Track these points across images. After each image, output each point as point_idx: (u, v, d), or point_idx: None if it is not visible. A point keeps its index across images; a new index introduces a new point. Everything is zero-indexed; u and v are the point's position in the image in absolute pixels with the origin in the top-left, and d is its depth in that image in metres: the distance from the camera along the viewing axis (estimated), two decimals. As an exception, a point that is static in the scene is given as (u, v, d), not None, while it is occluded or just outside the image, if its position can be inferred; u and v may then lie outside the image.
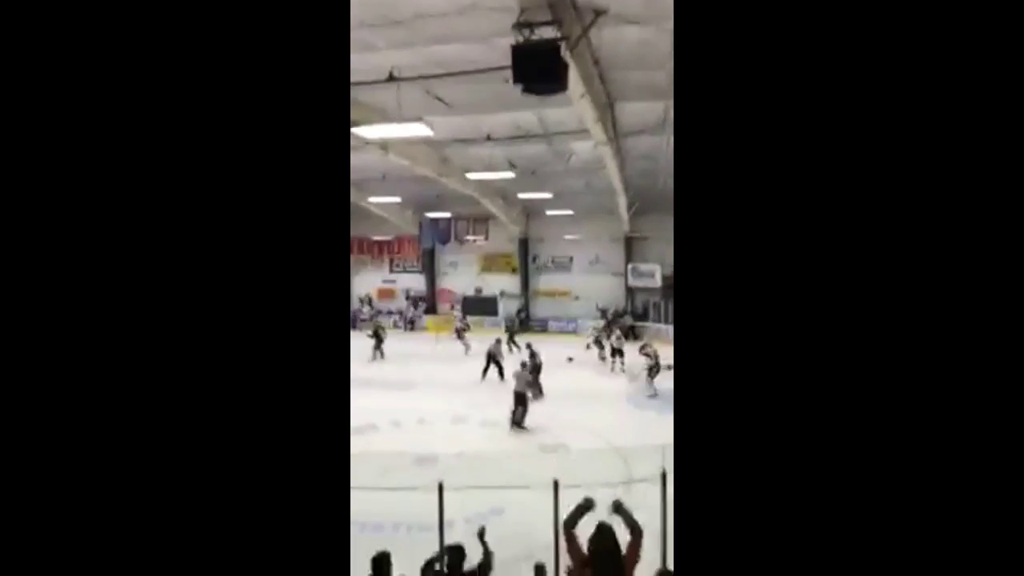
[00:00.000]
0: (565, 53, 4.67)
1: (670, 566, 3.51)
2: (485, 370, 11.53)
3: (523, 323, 19.34)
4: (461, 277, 21.44)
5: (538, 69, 4.58)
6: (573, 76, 5.59)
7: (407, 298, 21.63)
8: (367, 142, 8.46)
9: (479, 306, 20.55)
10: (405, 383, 11.38)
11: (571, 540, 2.55)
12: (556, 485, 3.85)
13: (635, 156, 12.04)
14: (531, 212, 19.56)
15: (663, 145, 10.41)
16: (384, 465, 5.97)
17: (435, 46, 6.47)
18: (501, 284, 20.85)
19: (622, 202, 15.43)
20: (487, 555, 3.03)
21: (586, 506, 2.66)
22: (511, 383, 9.18)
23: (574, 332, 18.89)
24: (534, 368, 10.26)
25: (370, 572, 2.93)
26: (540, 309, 20.41)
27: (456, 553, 3.00)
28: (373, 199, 15.92)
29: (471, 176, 12.53)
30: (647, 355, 10.65)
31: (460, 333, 15.52)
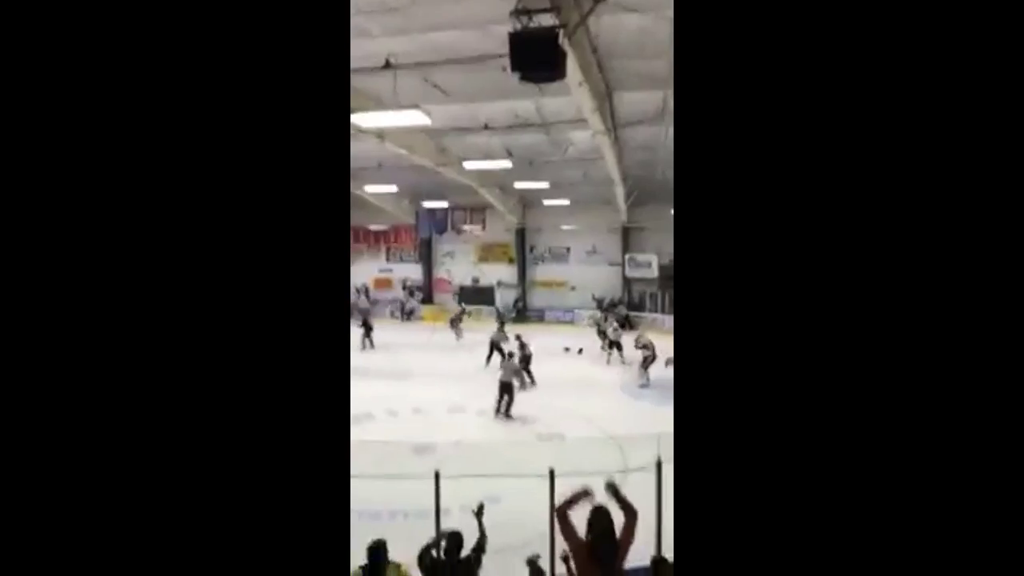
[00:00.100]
0: (563, 41, 4.63)
1: (664, 553, 3.55)
2: (488, 357, 11.60)
3: (520, 313, 19.37)
4: (458, 267, 21.42)
5: (536, 57, 4.54)
6: (571, 64, 5.55)
7: (404, 288, 21.60)
8: (363, 130, 8.39)
9: (476, 296, 20.55)
10: (402, 372, 11.40)
11: (565, 523, 2.56)
12: (552, 474, 3.88)
13: (633, 146, 12.00)
14: (528, 202, 19.50)
15: (662, 135, 10.37)
16: (381, 454, 5.99)
17: (432, 33, 6.40)
18: (498, 274, 20.84)
19: (620, 192, 15.40)
20: (482, 536, 3.05)
21: (583, 494, 2.68)
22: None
23: (571, 322, 18.93)
24: (523, 359, 10.32)
25: (366, 560, 2.95)
26: (537, 299, 20.43)
27: (453, 539, 3.02)
28: (369, 188, 15.84)
29: (468, 165, 12.47)
30: (644, 347, 10.70)
31: (454, 322, 15.48)
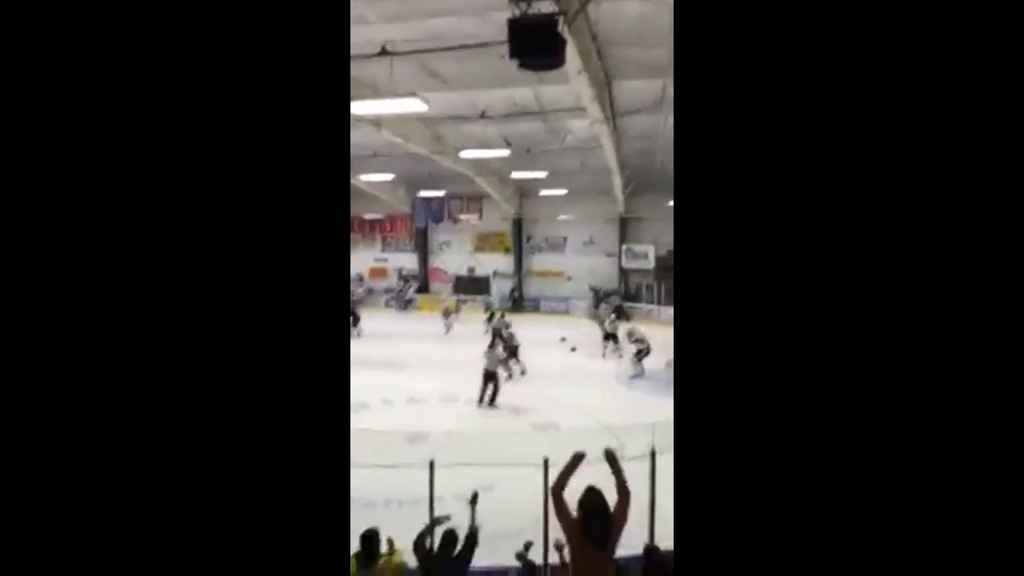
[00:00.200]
0: (563, 28, 4.58)
1: (657, 542, 3.57)
2: (491, 345, 11.67)
3: (516, 303, 19.38)
4: (454, 256, 21.39)
5: (535, 44, 4.49)
6: (570, 52, 5.49)
7: (399, 277, 21.56)
8: (359, 118, 8.32)
9: (472, 286, 20.55)
10: (396, 362, 11.41)
11: (559, 502, 2.55)
12: (546, 463, 3.89)
13: (632, 135, 11.95)
14: (525, 191, 19.45)
15: (660, 124, 10.33)
16: (376, 443, 6.00)
17: (429, 19, 6.32)
18: (494, 264, 20.82)
19: (617, 182, 15.35)
20: (473, 528, 3.06)
21: (576, 461, 2.63)
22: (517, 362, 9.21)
23: (567, 312, 18.97)
24: (510, 348, 10.39)
25: (359, 548, 2.96)
26: (533, 289, 20.44)
27: (448, 536, 3.03)
28: (365, 177, 15.74)
29: (465, 154, 12.40)
30: (639, 340, 10.73)
31: (447, 312, 15.43)
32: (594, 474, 2.65)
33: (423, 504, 3.86)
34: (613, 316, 13.78)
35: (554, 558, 3.16)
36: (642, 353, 10.53)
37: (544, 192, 18.19)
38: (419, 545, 3.04)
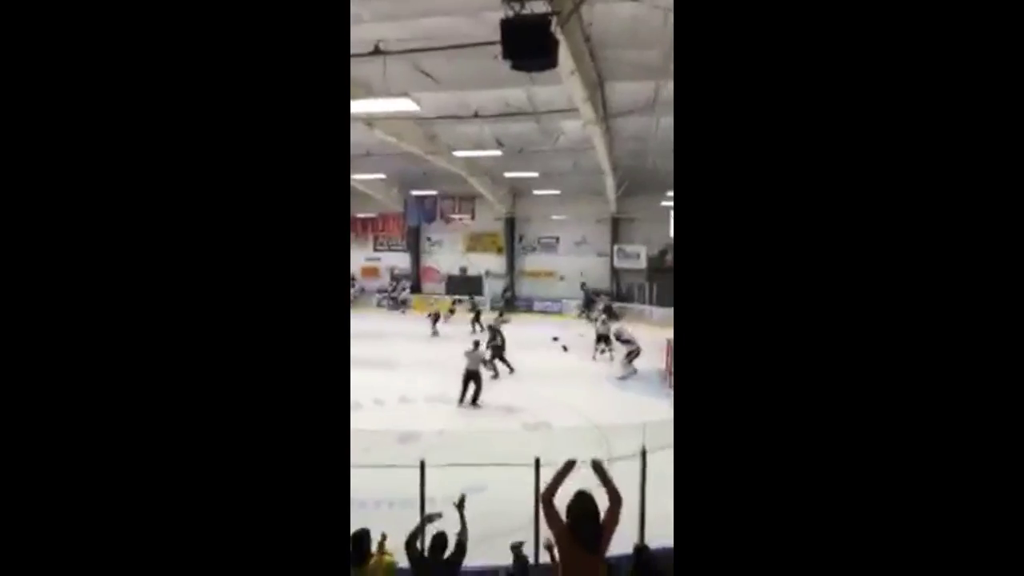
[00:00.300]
0: (556, 29, 4.59)
1: (647, 541, 3.59)
2: (490, 342, 11.85)
3: (508, 303, 19.39)
4: (446, 256, 21.35)
5: (528, 44, 4.49)
6: (563, 53, 5.51)
7: (392, 277, 21.49)
8: (352, 118, 8.29)
9: (464, 286, 20.52)
10: (388, 362, 11.37)
11: (550, 509, 2.56)
12: (537, 463, 3.90)
13: (624, 136, 11.99)
14: (518, 191, 19.45)
15: (653, 125, 10.37)
16: (367, 443, 5.98)
17: (422, 19, 6.32)
18: (487, 264, 20.80)
19: (610, 182, 15.40)
20: (463, 531, 3.06)
21: (566, 469, 2.65)
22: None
23: (559, 312, 19.00)
24: (495, 348, 10.45)
25: (350, 548, 2.95)
26: (525, 289, 20.45)
27: (438, 539, 3.03)
28: (357, 176, 15.69)
29: (458, 154, 12.39)
30: (628, 341, 10.76)
31: (435, 317, 15.09)
32: (584, 478, 2.67)
33: (414, 504, 3.86)
34: (604, 317, 13.79)
35: (545, 558, 3.16)
36: (632, 355, 10.56)
37: (537, 192, 18.21)
38: (411, 544, 3.04)
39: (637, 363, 10.53)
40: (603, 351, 11.89)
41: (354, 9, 5.93)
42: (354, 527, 3.00)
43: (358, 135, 10.69)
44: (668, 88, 8.17)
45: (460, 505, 3.13)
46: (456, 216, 20.14)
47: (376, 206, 20.02)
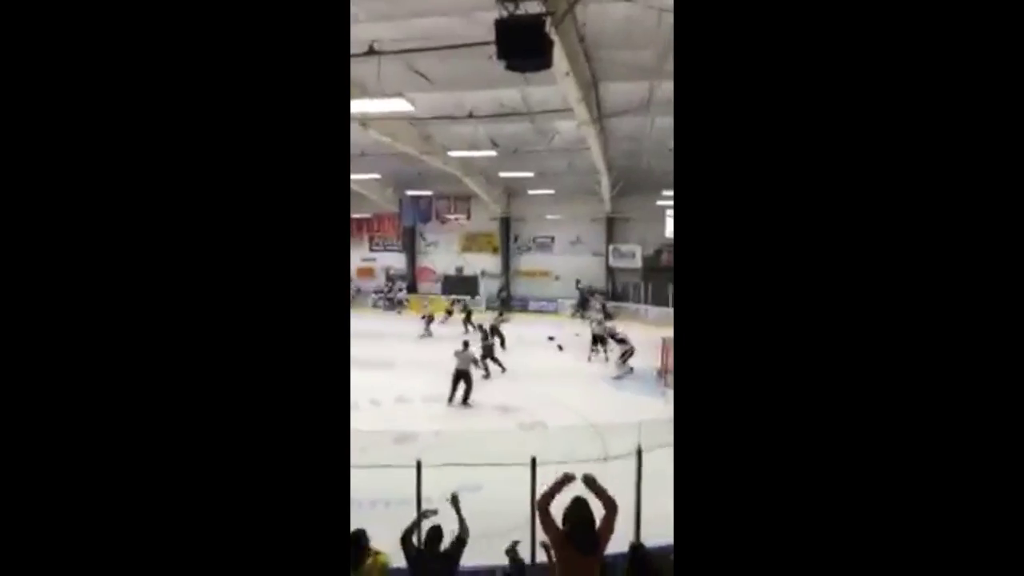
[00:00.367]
0: (550, 29, 4.60)
1: (643, 539, 3.61)
2: (482, 341, 12.02)
3: (504, 302, 19.39)
4: (442, 256, 21.33)
5: (522, 45, 4.50)
6: (558, 53, 5.52)
7: (387, 277, 21.45)
8: (346, 116, 8.26)
9: (460, 286, 20.50)
10: (384, 362, 11.36)
11: (546, 517, 2.59)
12: (533, 462, 3.91)
13: (619, 136, 12.01)
14: (513, 192, 19.45)
15: (647, 126, 10.39)
16: (363, 443, 5.97)
17: (416, 19, 6.31)
18: (482, 264, 20.79)
19: (604, 182, 15.42)
20: (463, 527, 3.07)
21: (564, 481, 2.69)
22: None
23: (555, 312, 19.01)
24: (487, 347, 10.51)
25: (350, 549, 2.95)
26: (521, 289, 20.45)
27: (433, 532, 3.03)
28: (352, 176, 15.62)
29: (453, 154, 12.37)
30: (622, 341, 10.77)
31: (430, 319, 14.89)
32: (580, 483, 2.69)
33: (410, 504, 3.86)
34: (601, 317, 13.77)
35: (541, 557, 3.18)
36: (626, 354, 10.58)
37: (532, 192, 18.21)
38: (406, 540, 3.04)
39: (632, 362, 10.56)
40: (597, 351, 11.88)
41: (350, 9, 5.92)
42: (351, 527, 3.00)
43: (353, 135, 10.64)
44: (662, 88, 8.20)
45: (454, 502, 3.13)
46: (451, 216, 20.12)
47: (371, 206, 19.97)
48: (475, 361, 9.38)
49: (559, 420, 7.71)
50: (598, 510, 2.60)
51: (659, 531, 3.90)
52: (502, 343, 12.56)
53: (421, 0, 5.87)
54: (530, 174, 14.68)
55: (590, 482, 2.68)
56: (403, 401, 8.88)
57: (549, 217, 19.86)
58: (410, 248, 21.29)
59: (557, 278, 20.13)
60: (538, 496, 2.73)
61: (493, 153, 11.82)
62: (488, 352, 10.53)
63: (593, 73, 8.22)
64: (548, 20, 4.57)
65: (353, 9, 5.97)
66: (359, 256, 21.69)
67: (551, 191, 17.52)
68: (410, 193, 18.96)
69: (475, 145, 11.98)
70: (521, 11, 4.55)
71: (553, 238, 20.35)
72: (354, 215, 20.90)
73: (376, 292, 20.84)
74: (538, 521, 2.70)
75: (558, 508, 2.60)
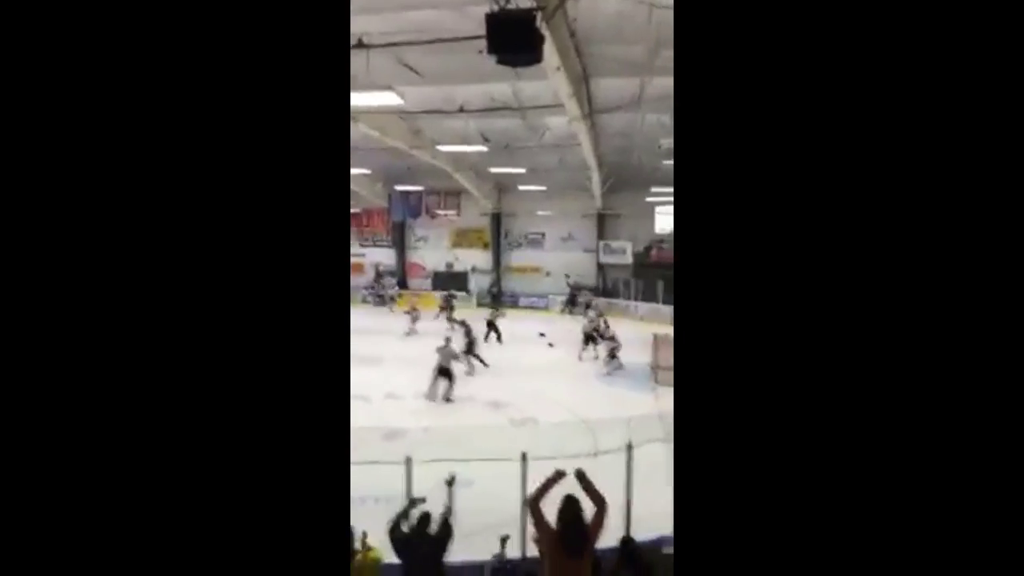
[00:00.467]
0: (541, 24, 4.57)
1: (632, 534, 3.63)
2: (487, 336, 12.38)
3: (495, 298, 19.37)
4: (432, 252, 21.25)
5: (513, 39, 4.47)
6: (549, 48, 5.49)
7: (376, 272, 21.33)
8: (335, 110, 8.18)
9: (450, 282, 20.44)
10: (373, 358, 11.31)
11: (536, 514, 2.60)
12: (524, 457, 3.92)
13: (610, 132, 12.00)
14: (503, 187, 19.40)
15: (638, 122, 10.40)
16: (353, 439, 5.94)
17: (406, 12, 6.25)
18: (473, 259, 20.74)
19: (595, 179, 15.43)
20: (448, 510, 3.07)
21: (555, 478, 2.71)
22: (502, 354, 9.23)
23: (545, 308, 19.03)
24: (468, 344, 10.50)
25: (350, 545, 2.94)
26: (511, 285, 20.44)
27: (423, 518, 3.04)
28: (342, 170, 15.50)
29: (443, 149, 12.31)
30: (611, 338, 10.81)
31: (414, 318, 14.55)
32: (570, 481, 2.70)
33: (399, 501, 3.85)
34: (593, 315, 13.74)
35: (531, 551, 3.18)
36: (614, 350, 10.62)
37: (522, 188, 18.18)
38: (395, 527, 3.04)
39: (622, 358, 10.60)
40: (587, 350, 11.85)
41: (337, 1, 5.86)
42: (340, 524, 2.98)
43: (342, 129, 10.57)
44: (653, 84, 8.20)
45: (450, 483, 3.13)
46: (442, 212, 20.03)
47: (360, 201, 19.83)
48: (456, 357, 9.37)
49: (550, 416, 7.73)
50: (589, 508, 2.62)
51: (649, 526, 3.93)
52: (499, 338, 12.65)
53: (411, -7, 5.82)
54: (521, 170, 14.64)
55: (581, 477, 2.70)
56: (392, 397, 8.85)
57: (540, 213, 19.85)
58: (400, 244, 21.19)
59: (548, 274, 20.13)
60: (529, 493, 2.75)
61: (484, 148, 11.77)
62: (471, 348, 10.50)
63: (584, 68, 8.20)
64: (539, 15, 4.55)
65: (342, 1, 5.91)
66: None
67: (542, 187, 17.50)
68: (400, 188, 18.84)
69: (466, 140, 11.93)
70: (512, 5, 4.52)
71: (544, 234, 20.34)
72: (343, 210, 20.75)
73: (365, 288, 20.72)
74: (529, 518, 2.71)
75: (549, 504, 2.61)
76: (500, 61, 4.69)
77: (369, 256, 21.66)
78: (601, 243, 19.30)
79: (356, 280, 21.20)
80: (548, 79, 7.21)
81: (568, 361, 11.54)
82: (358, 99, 7.59)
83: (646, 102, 8.97)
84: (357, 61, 6.72)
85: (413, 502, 3.20)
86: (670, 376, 9.02)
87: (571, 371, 10.76)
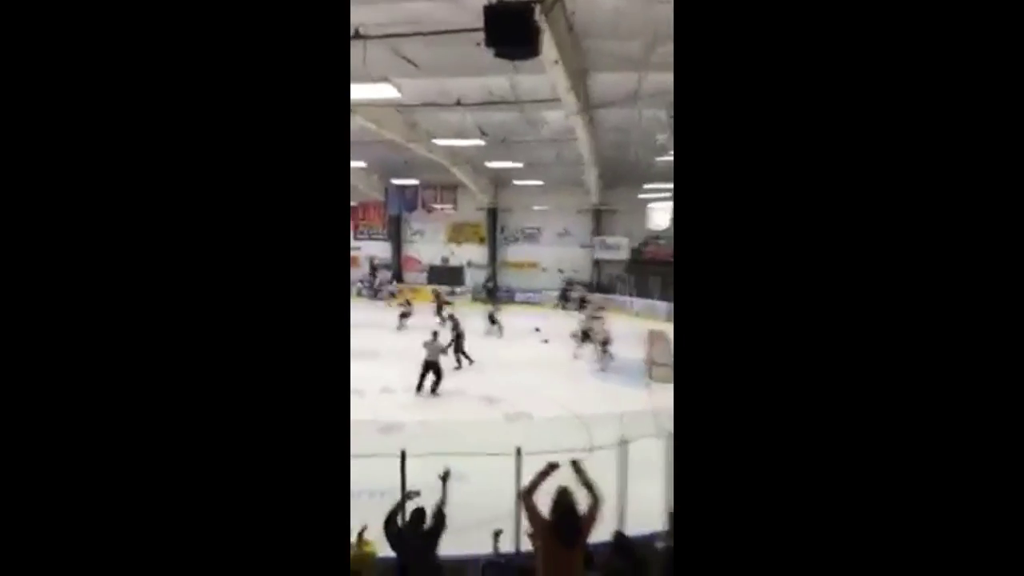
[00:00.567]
0: (539, 17, 4.55)
1: (625, 528, 3.64)
2: (488, 329, 12.72)
3: (491, 293, 19.37)
4: (428, 246, 21.20)
5: (511, 32, 4.45)
6: (547, 42, 5.47)
7: (371, 266, 21.27)
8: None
9: (446, 276, 20.42)
10: (368, 352, 11.30)
11: (530, 507, 2.61)
12: (518, 452, 3.92)
13: (607, 127, 11.98)
14: (500, 182, 19.36)
15: (635, 117, 10.38)
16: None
17: (403, 3, 6.20)
18: (469, 254, 20.72)
19: (592, 174, 15.42)
20: (442, 504, 3.07)
21: (548, 470, 2.71)
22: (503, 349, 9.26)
23: (541, 303, 19.06)
24: (456, 338, 10.51)
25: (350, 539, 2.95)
26: (507, 280, 20.43)
27: (416, 514, 3.05)
28: (338, 163, 15.43)
29: (439, 142, 12.26)
30: (604, 342, 10.83)
31: (405, 314, 14.28)
32: (565, 473, 2.70)
33: (395, 495, 3.85)
34: (591, 312, 13.72)
35: (525, 545, 3.19)
36: (605, 343, 10.65)
37: (519, 182, 18.14)
38: (390, 522, 3.04)
39: (616, 353, 10.63)
40: (582, 347, 11.83)
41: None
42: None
43: (338, 122, 10.50)
44: (650, 80, 8.18)
45: (444, 478, 3.14)
46: (438, 206, 19.97)
47: (356, 195, 19.72)
48: (443, 351, 9.38)
49: (544, 411, 7.74)
50: (583, 499, 2.62)
51: (642, 521, 3.95)
52: (500, 332, 12.91)
53: (408, -16, 5.77)
54: (518, 164, 14.60)
55: (577, 468, 2.71)
56: (387, 391, 8.84)
57: (536, 208, 19.83)
58: (396, 237, 21.13)
59: (544, 269, 20.13)
60: (523, 486, 2.76)
61: (481, 142, 11.74)
62: (459, 343, 10.50)
63: (582, 62, 8.17)
64: (537, 8, 4.52)
65: (338, -8, 5.85)
66: (344, 245, 21.45)
67: (539, 182, 17.46)
68: (396, 182, 18.76)
69: (462, 133, 11.88)
70: (510, -3, 4.49)
71: (540, 229, 20.32)
72: (339, 203, 20.66)
73: (360, 281, 20.65)
74: (523, 511, 2.72)
75: (543, 496, 2.62)
76: (498, 54, 4.67)
77: (364, 249, 21.59)
78: (597, 239, 19.31)
79: (351, 273, 21.16)
80: (546, 73, 7.18)
81: (562, 357, 11.56)
82: (355, 91, 7.52)
83: (643, 97, 8.95)
84: (354, 52, 6.66)
85: (408, 495, 3.20)
86: (664, 372, 9.06)
87: (565, 366, 10.78)
